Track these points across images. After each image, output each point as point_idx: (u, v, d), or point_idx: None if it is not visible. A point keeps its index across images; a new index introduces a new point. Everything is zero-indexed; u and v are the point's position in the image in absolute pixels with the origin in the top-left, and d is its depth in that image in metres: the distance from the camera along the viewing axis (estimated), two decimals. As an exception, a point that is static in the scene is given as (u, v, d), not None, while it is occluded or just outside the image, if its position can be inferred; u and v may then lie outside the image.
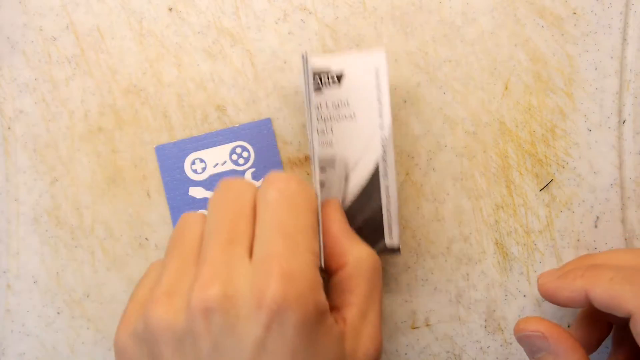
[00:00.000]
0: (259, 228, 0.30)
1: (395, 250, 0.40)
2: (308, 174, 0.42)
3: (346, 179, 0.39)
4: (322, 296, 0.29)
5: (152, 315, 0.28)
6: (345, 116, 0.39)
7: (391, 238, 0.40)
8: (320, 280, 0.29)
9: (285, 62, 0.42)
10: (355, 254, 0.34)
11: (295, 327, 0.26)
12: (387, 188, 0.39)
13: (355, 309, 0.32)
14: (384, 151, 0.39)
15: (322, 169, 0.39)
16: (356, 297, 0.32)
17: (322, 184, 0.39)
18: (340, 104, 0.39)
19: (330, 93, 0.39)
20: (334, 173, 0.40)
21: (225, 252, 0.29)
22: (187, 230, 0.32)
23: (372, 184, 0.39)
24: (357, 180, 0.39)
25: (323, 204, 0.37)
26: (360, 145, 0.39)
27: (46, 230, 0.42)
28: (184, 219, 0.33)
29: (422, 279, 0.43)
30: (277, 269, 0.27)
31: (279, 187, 0.31)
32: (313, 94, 0.35)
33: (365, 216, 0.40)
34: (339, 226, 0.35)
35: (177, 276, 0.29)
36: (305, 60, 0.36)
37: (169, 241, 0.33)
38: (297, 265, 0.28)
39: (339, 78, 0.39)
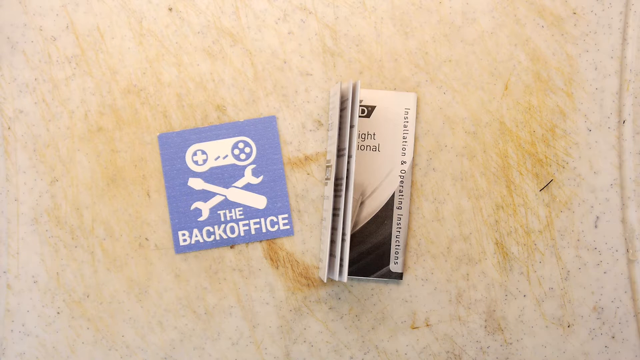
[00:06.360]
0: None
1: (398, 276, 0.42)
2: (308, 174, 0.43)
3: (361, 204, 0.42)
4: None
5: None
6: (370, 147, 0.42)
7: (396, 265, 0.42)
8: None
9: (285, 62, 0.42)
10: None
11: None
12: (399, 218, 0.42)
13: None
14: (402, 185, 0.42)
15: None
16: None
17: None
18: (366, 136, 0.42)
19: (359, 124, 0.42)
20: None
21: None
22: None
23: (386, 212, 0.42)
24: (372, 208, 0.42)
25: None
26: (380, 176, 0.42)
27: (46, 230, 0.42)
28: None
29: (422, 279, 0.43)
30: None
31: None
32: (357, 119, 0.38)
33: (375, 241, 0.42)
34: None
35: None
36: (354, 88, 0.37)
37: None
38: None
39: (370, 111, 0.42)
